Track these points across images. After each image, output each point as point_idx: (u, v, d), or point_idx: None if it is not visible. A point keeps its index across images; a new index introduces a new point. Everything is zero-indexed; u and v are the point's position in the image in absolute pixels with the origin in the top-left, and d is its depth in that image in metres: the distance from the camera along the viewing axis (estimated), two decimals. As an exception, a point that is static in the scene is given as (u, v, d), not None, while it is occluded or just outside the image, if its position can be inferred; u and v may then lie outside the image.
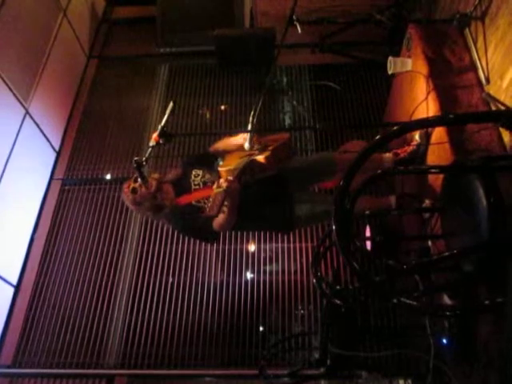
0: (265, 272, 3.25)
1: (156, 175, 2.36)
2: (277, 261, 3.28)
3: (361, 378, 2.72)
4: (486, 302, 1.40)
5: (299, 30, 2.36)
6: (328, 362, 2.37)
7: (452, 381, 2.03)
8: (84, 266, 3.36)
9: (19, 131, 3.39)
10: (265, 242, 3.33)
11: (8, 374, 3.05)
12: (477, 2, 2.58)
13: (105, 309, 3.19)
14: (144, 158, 2.07)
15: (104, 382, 2.97)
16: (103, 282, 3.29)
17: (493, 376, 1.84)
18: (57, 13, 3.97)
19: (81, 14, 4.42)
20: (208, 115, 4.12)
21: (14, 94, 3.31)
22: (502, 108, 2.27)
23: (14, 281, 3.29)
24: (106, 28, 4.81)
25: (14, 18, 3.32)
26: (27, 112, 3.48)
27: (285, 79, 4.29)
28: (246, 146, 2.21)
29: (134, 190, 2.25)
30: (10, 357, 3.07)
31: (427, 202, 2.41)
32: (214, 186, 2.01)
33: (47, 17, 3.83)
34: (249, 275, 3.25)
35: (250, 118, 2.19)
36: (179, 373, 2.99)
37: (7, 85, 3.22)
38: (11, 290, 3.26)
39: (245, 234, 3.32)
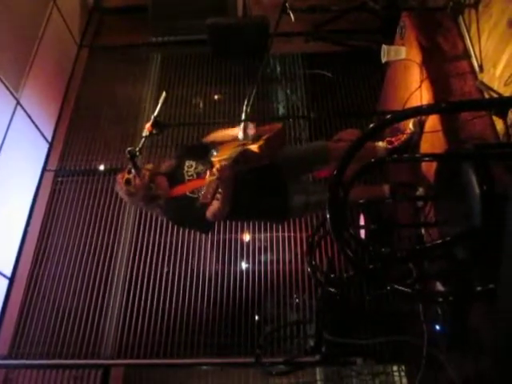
0: (260, 261, 3.26)
1: (149, 166, 2.35)
2: (272, 250, 3.29)
3: (355, 365, 2.75)
4: (479, 289, 1.42)
5: (293, 19, 2.34)
6: (323, 349, 2.39)
7: (445, 367, 2.06)
8: (79, 257, 3.36)
9: (10, 122, 3.36)
10: (259, 231, 3.34)
11: (4, 365, 3.05)
12: (470, -11, 2.57)
13: (100, 299, 3.20)
14: (137, 149, 2.06)
15: (100, 372, 2.98)
16: (98, 273, 3.29)
17: (485, 362, 1.87)
18: (47, 1, 3.91)
19: (71, 3, 4.36)
20: (201, 105, 4.09)
21: (5, 84, 3.27)
22: (495, 96, 2.27)
23: (9, 273, 3.28)
24: (98, 17, 4.74)
25: (3, 6, 3.27)
26: (18, 102, 3.44)
27: (278, 68, 4.27)
28: (240, 135, 2.20)
29: (127, 181, 2.24)
30: (5, 348, 3.08)
31: (421, 191, 2.42)
32: (207, 175, 2.00)
33: (37, 5, 3.77)
34: (244, 265, 3.26)
35: (244, 108, 2.18)
36: (175, 362, 3.01)
37: (-3, 75, 3.18)
38: (5, 282, 3.26)
39: (239, 223, 3.33)
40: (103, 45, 4.53)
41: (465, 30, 2.66)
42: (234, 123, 2.37)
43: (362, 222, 2.62)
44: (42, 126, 3.76)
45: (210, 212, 2.20)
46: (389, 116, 1.36)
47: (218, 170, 1.98)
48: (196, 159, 2.39)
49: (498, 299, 1.30)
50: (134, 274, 3.26)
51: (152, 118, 2.12)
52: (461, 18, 2.71)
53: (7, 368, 3.06)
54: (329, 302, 2.35)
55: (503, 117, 1.41)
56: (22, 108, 3.49)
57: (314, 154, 2.56)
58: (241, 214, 2.49)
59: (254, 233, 3.34)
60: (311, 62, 4.21)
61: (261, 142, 2.14)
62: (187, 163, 2.37)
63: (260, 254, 3.29)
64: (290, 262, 3.24)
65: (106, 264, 3.32)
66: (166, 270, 3.25)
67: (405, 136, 2.61)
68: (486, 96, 2.36)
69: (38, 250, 3.41)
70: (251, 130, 2.21)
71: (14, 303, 3.22)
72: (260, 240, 3.33)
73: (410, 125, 2.60)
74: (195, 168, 2.35)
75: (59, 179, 3.72)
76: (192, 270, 3.24)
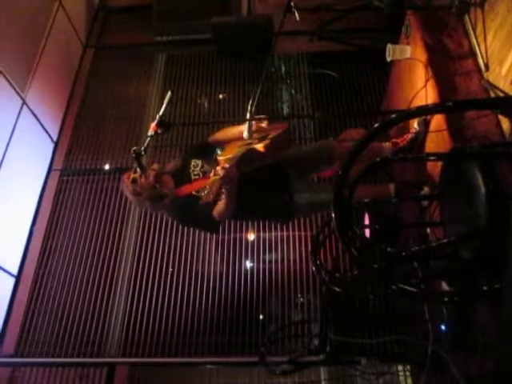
0: (264, 261, 3.26)
1: (155, 166, 2.35)
2: (276, 249, 3.29)
3: (360, 365, 2.75)
4: (484, 289, 1.41)
5: (297, 18, 2.34)
6: (327, 348, 2.39)
7: (450, 367, 2.06)
8: (84, 256, 3.37)
9: (16, 121, 3.38)
10: (264, 230, 3.34)
11: (10, 363, 3.07)
12: (476, -12, 2.56)
13: (105, 298, 3.21)
14: (142, 148, 2.07)
15: (105, 371, 2.99)
16: (103, 272, 3.30)
17: (490, 362, 1.86)
18: (52, 1, 3.93)
19: (77, 3, 4.37)
20: (206, 104, 4.10)
21: (11, 84, 3.29)
22: (501, 95, 2.26)
23: (15, 271, 3.31)
24: (103, 16, 4.76)
25: (9, 7, 3.28)
26: (24, 102, 3.46)
27: (283, 67, 4.27)
28: (245, 134, 2.20)
29: (133, 181, 2.25)
30: (11, 346, 3.10)
31: (426, 190, 2.42)
32: (211, 174, 2.00)
33: (43, 6, 3.79)
34: (248, 264, 3.26)
35: (248, 107, 2.18)
36: (180, 361, 3.02)
37: (4, 75, 3.20)
38: (12, 281, 3.28)
39: (244, 223, 3.33)
40: (108, 44, 4.55)
41: (470, 29, 2.65)
42: (238, 122, 2.37)
43: (366, 222, 2.62)
44: (48, 125, 3.78)
45: (215, 211, 2.20)
46: (394, 115, 1.36)
47: (222, 169, 1.98)
48: (202, 158, 2.39)
49: (503, 299, 1.29)
50: (139, 272, 3.27)
51: (157, 117, 2.13)
52: (466, 17, 2.70)
53: (13, 366, 3.08)
54: (333, 302, 2.36)
55: (509, 115, 1.41)
56: (28, 108, 3.51)
57: (318, 154, 2.56)
58: (246, 214, 2.49)
59: (258, 232, 3.34)
60: (316, 61, 4.20)
61: (266, 142, 2.14)
62: (193, 162, 2.37)
63: (264, 253, 3.29)
64: (295, 261, 3.24)
65: (112, 262, 3.34)
66: (170, 269, 3.26)
67: (410, 135, 2.60)
68: (492, 95, 2.35)
69: (43, 249, 3.43)
70: (254, 126, 2.21)
71: (20, 301, 3.24)
72: (265, 239, 3.33)
73: (414, 124, 2.59)
74: (201, 167, 2.36)
75: (65, 178, 3.74)
76: (196, 269, 3.25)
